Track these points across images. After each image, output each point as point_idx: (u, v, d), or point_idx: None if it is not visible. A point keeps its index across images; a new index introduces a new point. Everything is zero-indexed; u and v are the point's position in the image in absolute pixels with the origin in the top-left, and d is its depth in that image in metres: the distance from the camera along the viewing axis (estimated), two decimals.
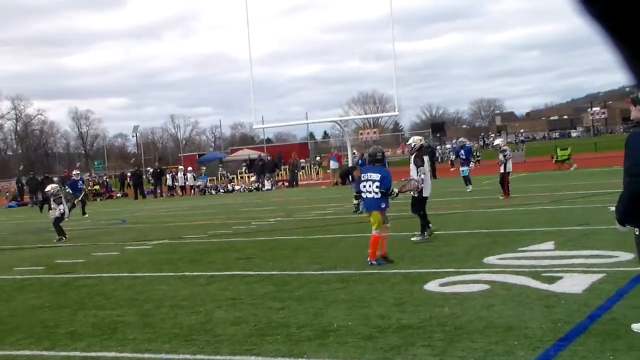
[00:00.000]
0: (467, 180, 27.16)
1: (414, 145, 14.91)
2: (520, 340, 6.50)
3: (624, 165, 6.69)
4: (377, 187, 11.61)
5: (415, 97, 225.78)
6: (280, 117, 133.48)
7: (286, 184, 47.08)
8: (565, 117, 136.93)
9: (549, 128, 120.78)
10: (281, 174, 50.03)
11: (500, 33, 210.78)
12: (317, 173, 54.11)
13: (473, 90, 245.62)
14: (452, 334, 6.91)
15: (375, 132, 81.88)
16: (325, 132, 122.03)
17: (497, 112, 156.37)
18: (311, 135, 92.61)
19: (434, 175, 39.40)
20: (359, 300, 8.88)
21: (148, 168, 58.93)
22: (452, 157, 49.77)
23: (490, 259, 11.15)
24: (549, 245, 12.15)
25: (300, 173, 51.29)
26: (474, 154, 55.23)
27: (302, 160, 56.40)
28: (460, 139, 34.16)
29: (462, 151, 28.45)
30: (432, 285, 9.40)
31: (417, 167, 14.30)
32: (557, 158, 40.51)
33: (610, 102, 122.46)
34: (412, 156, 14.60)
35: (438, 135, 76.95)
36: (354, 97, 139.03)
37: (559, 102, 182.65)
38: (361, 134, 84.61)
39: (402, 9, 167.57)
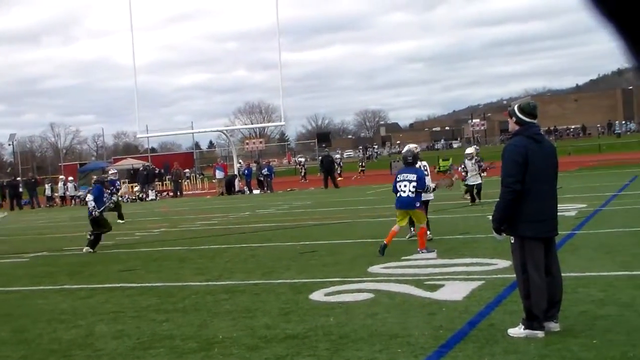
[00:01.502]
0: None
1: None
2: (403, 348, 6.59)
3: (500, 175, 6.95)
4: (413, 186, 12.47)
5: (302, 107, 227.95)
6: (165, 126, 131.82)
7: (171, 194, 46.44)
8: (447, 128, 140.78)
9: (431, 139, 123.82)
10: (166, 184, 49.28)
11: (386, 45, 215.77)
12: (202, 183, 53.61)
13: (358, 101, 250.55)
14: (337, 343, 6.94)
15: (261, 142, 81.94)
16: (210, 142, 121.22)
17: (382, 123, 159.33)
18: (197, 145, 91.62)
19: (335, 185, 39.50)
20: (244, 310, 8.81)
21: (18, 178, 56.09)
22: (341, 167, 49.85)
23: (374, 268, 11.28)
24: (432, 254, 12.41)
25: (185, 183, 50.70)
26: (360, 164, 56.12)
27: (187, 170, 55.71)
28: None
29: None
30: (317, 295, 9.43)
31: None
32: (439, 168, 41.59)
33: (489, 114, 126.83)
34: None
35: (324, 145, 77.52)
36: (240, 107, 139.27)
37: (442, 114, 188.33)
38: (247, 143, 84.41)
39: (289, 19, 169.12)
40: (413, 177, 12.59)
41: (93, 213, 16.71)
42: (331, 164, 42.12)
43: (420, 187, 12.58)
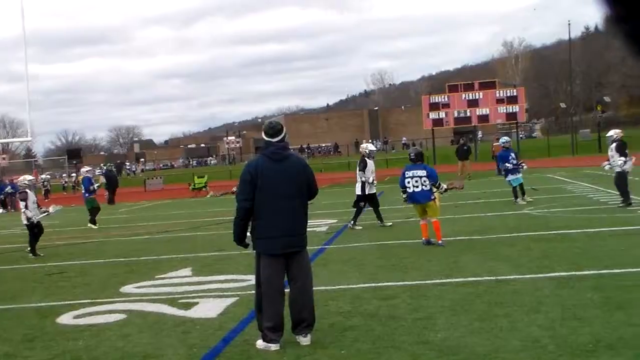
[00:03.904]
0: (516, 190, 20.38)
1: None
2: None
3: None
4: (424, 181, 12.99)
5: (52, 122, 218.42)
6: None
7: None
8: (203, 145, 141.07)
9: (187, 156, 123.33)
10: None
11: (142, 60, 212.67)
12: None
13: (112, 117, 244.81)
14: None
15: (4, 158, 77.31)
16: None
17: (136, 139, 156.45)
18: None
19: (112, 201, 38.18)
20: None
21: None
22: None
23: (127, 288, 10.97)
24: (186, 271, 12.30)
25: None
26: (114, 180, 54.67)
27: None
28: (502, 139, 22.50)
29: (513, 154, 20.65)
30: (65, 318, 8.98)
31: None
32: (194, 186, 41.54)
33: (244, 132, 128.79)
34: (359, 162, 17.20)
35: (75, 162, 74.56)
36: None
37: (198, 131, 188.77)
38: None
39: (39, 29, 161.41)
40: (423, 172, 13.07)
41: None
42: (116, 180, 41.59)
43: (433, 180, 13.07)
